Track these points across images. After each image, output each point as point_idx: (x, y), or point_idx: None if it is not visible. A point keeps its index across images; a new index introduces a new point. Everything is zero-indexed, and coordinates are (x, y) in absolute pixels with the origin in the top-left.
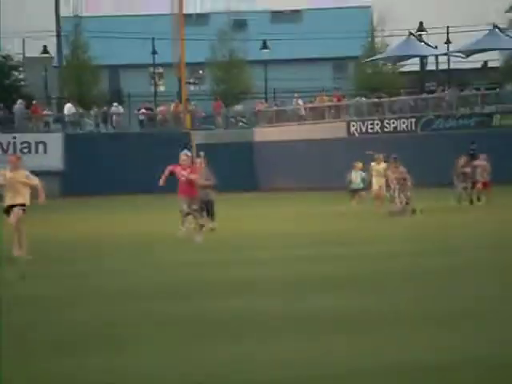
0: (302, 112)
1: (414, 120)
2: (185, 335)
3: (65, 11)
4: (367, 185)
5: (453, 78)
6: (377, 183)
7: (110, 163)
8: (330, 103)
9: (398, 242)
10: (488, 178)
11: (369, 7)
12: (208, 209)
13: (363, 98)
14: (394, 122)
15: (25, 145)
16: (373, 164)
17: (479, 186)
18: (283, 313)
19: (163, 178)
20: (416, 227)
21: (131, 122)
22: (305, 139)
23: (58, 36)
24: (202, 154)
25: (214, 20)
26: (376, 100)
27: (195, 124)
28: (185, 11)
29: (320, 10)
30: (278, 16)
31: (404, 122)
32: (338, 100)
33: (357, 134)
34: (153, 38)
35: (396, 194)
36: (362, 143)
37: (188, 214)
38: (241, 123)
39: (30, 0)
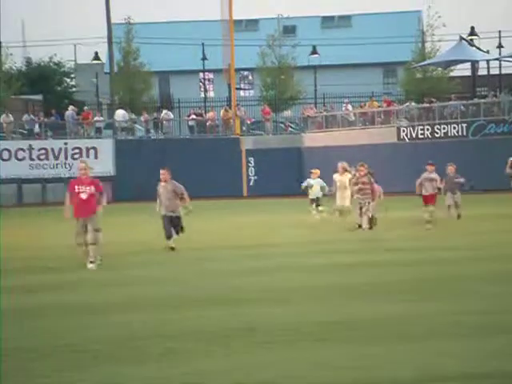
0: (352, 117)
1: (465, 125)
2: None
3: (116, 18)
4: (330, 194)
5: (504, 82)
6: (340, 197)
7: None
8: (379, 108)
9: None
10: None
11: (419, 11)
12: (175, 225)
13: (413, 103)
14: (444, 128)
15: (76, 151)
16: (335, 176)
17: None
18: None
19: (66, 210)
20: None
21: (181, 127)
22: (354, 145)
23: (110, 42)
24: (165, 168)
25: (264, 26)
26: (426, 105)
27: (244, 130)
28: (234, 17)
29: (369, 15)
30: (327, 21)
31: (455, 128)
32: (388, 105)
33: (407, 140)
34: (203, 44)
35: (357, 208)
36: (412, 149)
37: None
38: (290, 129)
39: (82, 7)
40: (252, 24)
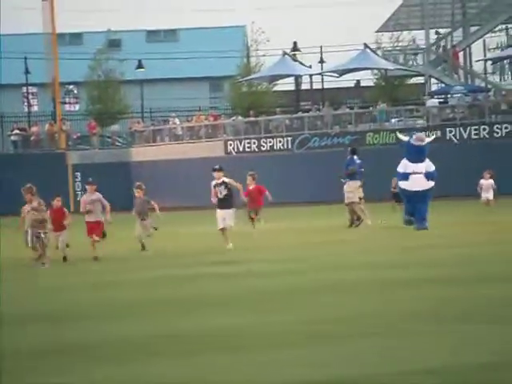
0: (179, 131)
1: (290, 139)
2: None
3: None
4: None
5: (327, 96)
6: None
7: None
8: (206, 122)
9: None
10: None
11: (243, 27)
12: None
13: (239, 117)
14: (270, 141)
15: None
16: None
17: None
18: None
19: None
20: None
21: (4, 142)
22: (183, 158)
23: None
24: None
25: (88, 39)
26: (252, 119)
27: (70, 144)
28: (57, 31)
29: (196, 29)
30: (153, 35)
31: (280, 141)
32: (215, 119)
33: (234, 153)
34: (25, 58)
35: None
36: (239, 162)
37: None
38: (117, 143)
39: None
40: (76, 37)
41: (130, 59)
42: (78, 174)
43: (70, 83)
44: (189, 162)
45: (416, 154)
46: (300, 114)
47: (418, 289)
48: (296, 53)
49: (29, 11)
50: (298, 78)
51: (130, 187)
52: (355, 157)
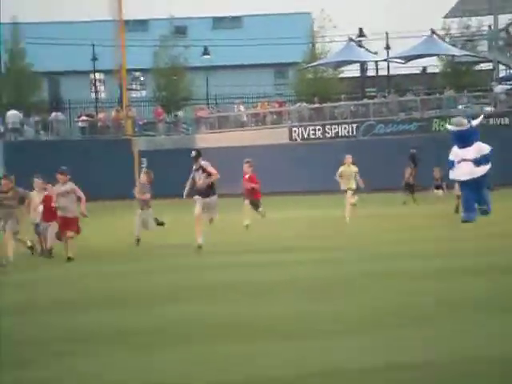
0: (244, 118)
1: (355, 125)
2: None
3: (2, 18)
4: None
5: (392, 83)
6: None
7: (51, 171)
8: (271, 109)
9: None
10: None
11: (309, 13)
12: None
13: (304, 104)
14: (335, 128)
15: None
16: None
17: None
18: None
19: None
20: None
21: (72, 129)
22: (247, 145)
23: None
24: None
25: (153, 26)
26: (317, 106)
27: (136, 131)
28: (124, 18)
29: (261, 16)
30: (218, 22)
31: (345, 128)
32: (280, 106)
33: (299, 140)
34: (93, 45)
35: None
36: (304, 149)
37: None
38: (183, 130)
39: None
40: (142, 24)
41: (196, 46)
42: (144, 160)
43: (136, 70)
44: (253, 149)
45: (459, 139)
46: (365, 101)
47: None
48: (362, 39)
49: None
50: (363, 65)
51: None
52: None
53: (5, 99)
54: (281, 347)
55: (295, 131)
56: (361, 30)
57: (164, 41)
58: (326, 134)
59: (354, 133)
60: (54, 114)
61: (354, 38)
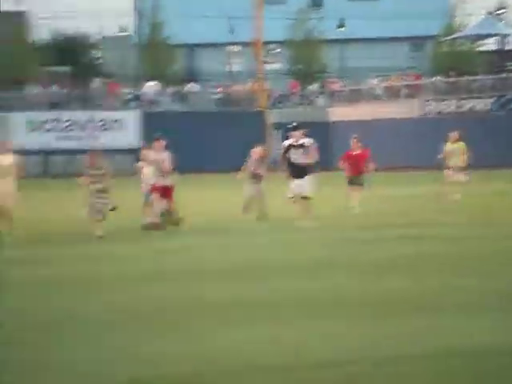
0: (378, 92)
1: (491, 100)
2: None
3: None
4: None
5: None
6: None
7: (186, 141)
8: (405, 82)
9: None
10: None
11: None
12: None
13: (439, 78)
14: (470, 102)
15: (102, 122)
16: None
17: None
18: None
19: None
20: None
21: (207, 100)
22: (380, 118)
23: (137, 15)
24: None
25: None
26: (452, 79)
27: (271, 103)
28: None
29: None
30: None
31: (481, 102)
32: (416, 79)
33: (432, 114)
34: (229, 17)
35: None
36: (437, 123)
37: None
38: (316, 103)
39: None
40: None
41: (331, 18)
42: (277, 132)
43: (272, 42)
44: (386, 123)
45: None
46: (503, 75)
47: None
48: (501, 12)
49: None
50: (502, 38)
51: (329, 147)
52: None
53: (144, 71)
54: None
55: (429, 105)
56: (500, 2)
57: (300, 13)
58: (461, 109)
59: (490, 107)
60: (189, 85)
61: (492, 11)
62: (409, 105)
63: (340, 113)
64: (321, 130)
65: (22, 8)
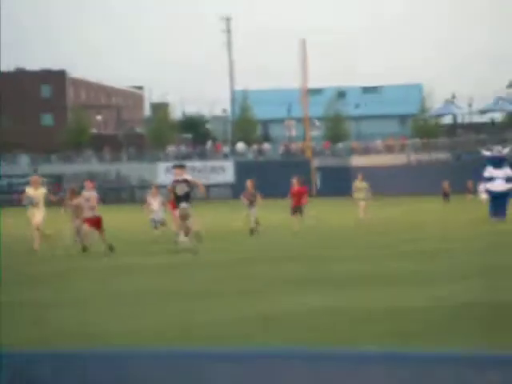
0: (380, 148)
1: (450, 153)
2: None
3: (237, 86)
4: None
5: None
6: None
7: (262, 179)
8: (397, 142)
9: None
10: None
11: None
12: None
13: (417, 139)
14: (437, 155)
15: (211, 168)
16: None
17: None
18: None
19: None
20: None
21: (275, 153)
22: (381, 165)
23: (232, 103)
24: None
25: (325, 90)
26: (426, 141)
27: (313, 155)
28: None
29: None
30: (366, 90)
31: (443, 155)
32: (403, 140)
33: (414, 162)
34: (288, 103)
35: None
36: (417, 167)
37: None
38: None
39: (210, 80)
40: (318, 91)
41: (351, 104)
42: (318, 172)
43: (314, 118)
44: (386, 167)
45: None
46: (456, 139)
47: None
48: (453, 99)
49: None
50: (454, 116)
51: (350, 183)
52: None
53: (236, 136)
54: None
55: (412, 156)
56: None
57: (331, 100)
58: (431, 159)
59: (449, 158)
60: (264, 144)
61: (449, 98)
62: (399, 156)
63: (357, 161)
64: (345, 172)
65: (167, 100)
